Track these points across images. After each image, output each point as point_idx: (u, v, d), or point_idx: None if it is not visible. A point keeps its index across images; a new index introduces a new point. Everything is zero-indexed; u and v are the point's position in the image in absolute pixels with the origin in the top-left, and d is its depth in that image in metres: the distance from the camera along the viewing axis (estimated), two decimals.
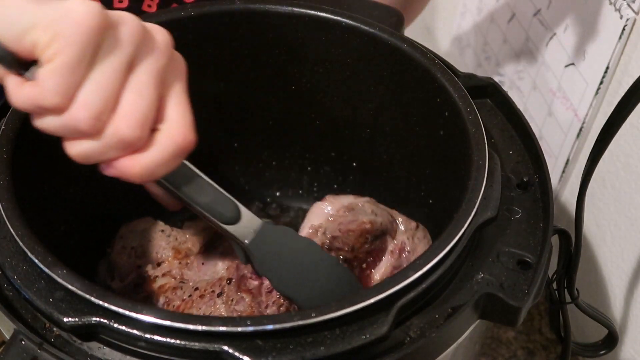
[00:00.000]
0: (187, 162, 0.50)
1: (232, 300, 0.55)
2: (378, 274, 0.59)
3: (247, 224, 0.53)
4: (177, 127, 0.45)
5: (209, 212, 0.52)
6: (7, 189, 0.49)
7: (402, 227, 0.61)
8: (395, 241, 0.60)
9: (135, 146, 0.44)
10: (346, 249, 0.58)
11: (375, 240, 0.59)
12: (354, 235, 0.58)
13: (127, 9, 0.68)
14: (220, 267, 0.59)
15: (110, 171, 0.46)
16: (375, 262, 0.59)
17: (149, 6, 0.68)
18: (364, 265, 0.59)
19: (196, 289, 0.57)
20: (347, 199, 0.60)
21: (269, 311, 0.54)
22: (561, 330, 0.66)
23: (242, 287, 0.55)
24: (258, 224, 0.53)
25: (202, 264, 0.60)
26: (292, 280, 0.54)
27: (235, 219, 0.53)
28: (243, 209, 0.53)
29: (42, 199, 0.56)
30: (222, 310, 0.54)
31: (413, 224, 0.62)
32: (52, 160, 0.59)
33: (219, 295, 0.55)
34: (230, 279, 0.56)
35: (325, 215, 0.58)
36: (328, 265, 0.56)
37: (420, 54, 0.59)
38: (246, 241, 0.53)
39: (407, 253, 0.60)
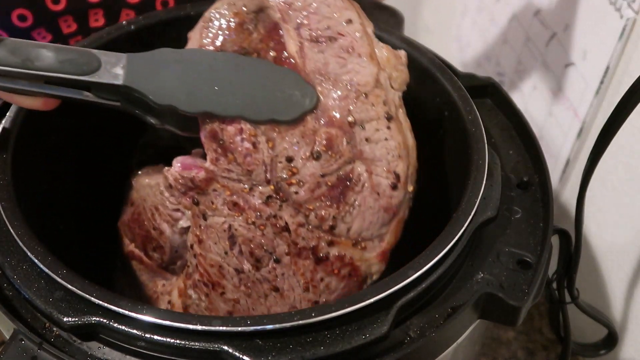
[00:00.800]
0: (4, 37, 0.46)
1: (207, 210, 0.52)
2: (292, 49, 0.53)
3: (111, 64, 0.48)
4: None
5: (63, 71, 0.47)
6: (7, 189, 0.50)
7: None
8: (274, 7, 0.53)
9: None
10: (241, 51, 0.52)
11: (257, 24, 0.53)
12: (233, 36, 0.52)
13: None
14: (183, 222, 0.56)
15: None
16: (279, 41, 0.53)
17: (96, 20, 0.69)
18: (274, 54, 0.53)
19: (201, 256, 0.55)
20: (199, 23, 0.54)
21: (217, 201, 0.52)
22: (561, 330, 0.66)
23: (198, 202, 0.53)
24: (123, 59, 0.48)
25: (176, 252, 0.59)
26: (198, 94, 0.49)
27: (95, 65, 0.47)
28: (97, 51, 0.48)
29: (42, 199, 0.56)
30: (221, 214, 0.52)
31: None
32: (52, 160, 0.59)
33: (204, 217, 0.53)
34: (191, 210, 0.54)
35: (198, 43, 0.52)
36: (229, 63, 0.50)
37: (420, 54, 0.59)
38: (120, 82, 0.48)
39: (296, 5, 0.53)
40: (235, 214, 0.51)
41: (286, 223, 0.51)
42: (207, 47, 0.52)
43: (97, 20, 0.68)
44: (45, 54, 0.47)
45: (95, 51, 0.48)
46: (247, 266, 0.52)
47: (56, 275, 0.45)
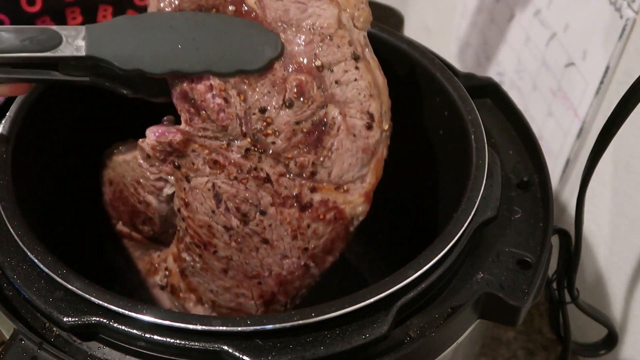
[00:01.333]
0: None
1: (189, 172, 0.53)
2: (250, 0, 0.52)
3: (72, 37, 0.48)
4: None
5: (26, 50, 0.47)
6: (7, 189, 0.50)
7: None
8: None
9: None
10: (199, 10, 0.52)
11: None
12: None
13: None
14: (168, 189, 0.56)
15: None
16: None
17: (73, 18, 0.69)
18: (233, 8, 0.52)
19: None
20: None
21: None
22: (561, 330, 0.66)
23: (179, 165, 0.53)
24: (83, 30, 0.49)
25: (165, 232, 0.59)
26: (163, 54, 0.49)
27: (57, 40, 0.48)
28: (57, 27, 0.49)
29: (42, 199, 0.56)
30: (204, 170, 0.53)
31: None
32: (52, 160, 0.59)
33: (187, 180, 0.53)
34: (174, 175, 0.54)
35: (156, 7, 0.52)
36: (189, 21, 0.50)
37: (420, 53, 0.59)
38: (84, 53, 0.48)
39: None
40: (217, 171, 0.52)
41: (267, 174, 0.51)
42: (165, 10, 0.51)
43: (74, 18, 0.67)
44: (5, 36, 0.47)
45: (54, 27, 0.49)
46: (235, 222, 0.52)
47: (56, 275, 0.45)
